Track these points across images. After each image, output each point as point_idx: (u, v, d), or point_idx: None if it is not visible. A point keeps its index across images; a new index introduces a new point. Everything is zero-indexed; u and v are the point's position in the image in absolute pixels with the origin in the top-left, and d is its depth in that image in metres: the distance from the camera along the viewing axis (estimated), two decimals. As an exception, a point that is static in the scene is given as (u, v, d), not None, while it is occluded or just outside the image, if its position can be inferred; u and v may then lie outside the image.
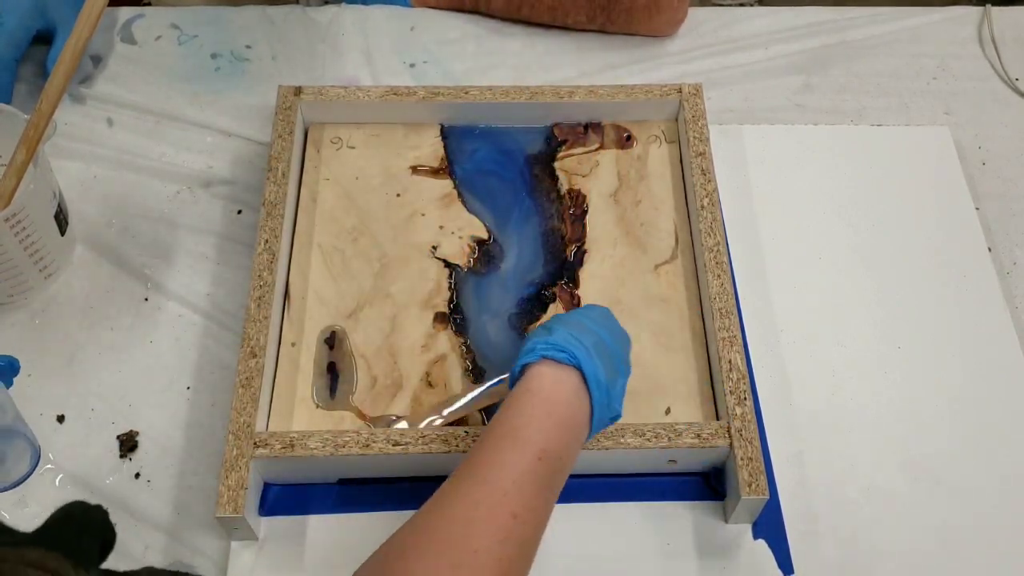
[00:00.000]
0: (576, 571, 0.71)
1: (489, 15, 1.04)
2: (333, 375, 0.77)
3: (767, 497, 0.69)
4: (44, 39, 0.94)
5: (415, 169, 0.88)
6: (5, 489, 0.73)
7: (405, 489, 0.73)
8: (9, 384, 0.73)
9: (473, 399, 0.75)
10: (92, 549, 0.45)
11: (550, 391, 0.62)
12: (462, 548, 0.55)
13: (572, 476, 0.63)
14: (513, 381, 0.65)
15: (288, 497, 0.73)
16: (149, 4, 1.10)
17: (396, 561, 0.55)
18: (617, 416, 0.67)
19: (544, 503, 0.60)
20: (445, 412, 0.75)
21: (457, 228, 0.85)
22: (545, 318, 0.80)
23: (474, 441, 0.68)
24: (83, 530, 0.45)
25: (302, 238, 0.83)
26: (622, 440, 0.70)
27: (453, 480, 0.59)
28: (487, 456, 0.60)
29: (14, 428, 0.73)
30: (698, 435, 0.71)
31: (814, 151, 0.93)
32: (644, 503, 0.73)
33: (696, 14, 1.04)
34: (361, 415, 0.75)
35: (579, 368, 0.63)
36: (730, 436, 0.71)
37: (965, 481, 0.76)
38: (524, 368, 0.64)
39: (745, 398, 0.72)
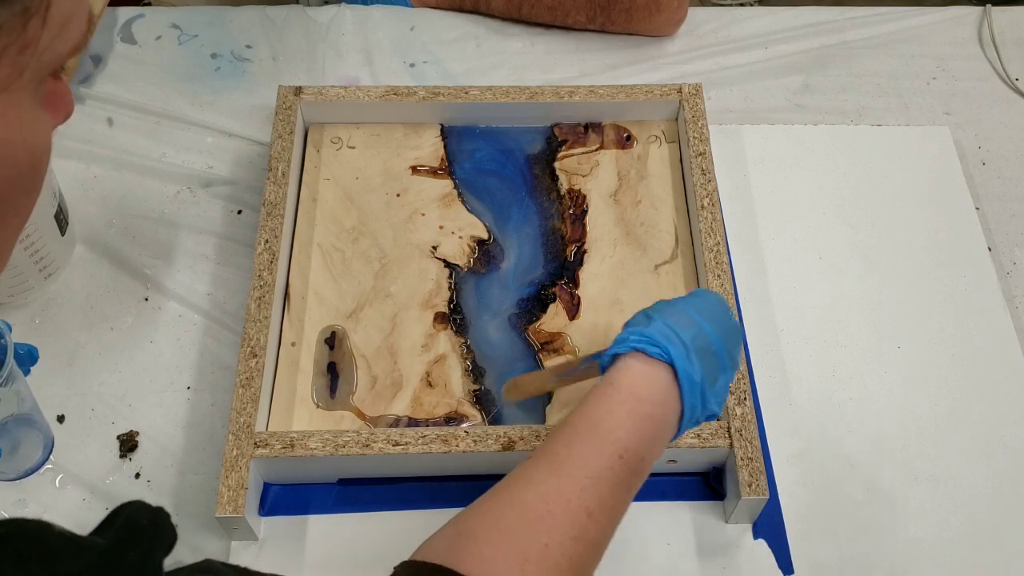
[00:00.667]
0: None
1: (489, 15, 1.04)
2: (333, 375, 0.77)
3: (767, 497, 0.69)
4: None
5: (415, 169, 0.88)
6: (18, 478, 0.74)
7: (405, 489, 0.73)
8: (27, 373, 0.73)
9: (566, 374, 0.70)
10: (160, 556, 0.43)
11: (637, 387, 0.58)
12: (533, 541, 0.52)
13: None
14: (603, 369, 0.62)
15: (288, 497, 0.73)
16: (149, 4, 1.10)
17: (465, 546, 0.52)
18: (714, 415, 0.62)
19: (620, 503, 0.57)
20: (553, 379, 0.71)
21: (457, 228, 0.85)
22: (545, 318, 0.80)
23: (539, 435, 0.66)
24: (151, 540, 0.43)
25: (302, 238, 0.83)
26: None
27: (527, 467, 0.56)
28: (566, 448, 0.56)
29: (31, 417, 0.73)
30: (698, 435, 0.71)
31: (814, 151, 0.93)
32: (644, 503, 0.73)
33: (696, 14, 1.04)
34: (361, 415, 0.75)
35: (672, 365, 0.59)
36: (730, 436, 0.71)
37: (965, 481, 0.76)
38: (614, 358, 0.61)
39: (745, 398, 0.72)
